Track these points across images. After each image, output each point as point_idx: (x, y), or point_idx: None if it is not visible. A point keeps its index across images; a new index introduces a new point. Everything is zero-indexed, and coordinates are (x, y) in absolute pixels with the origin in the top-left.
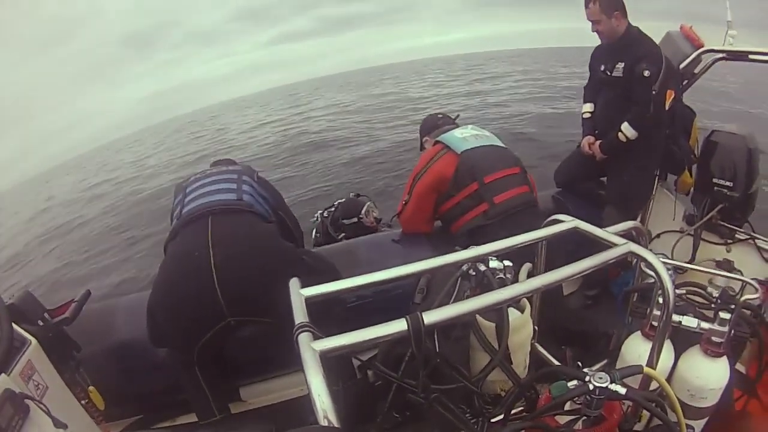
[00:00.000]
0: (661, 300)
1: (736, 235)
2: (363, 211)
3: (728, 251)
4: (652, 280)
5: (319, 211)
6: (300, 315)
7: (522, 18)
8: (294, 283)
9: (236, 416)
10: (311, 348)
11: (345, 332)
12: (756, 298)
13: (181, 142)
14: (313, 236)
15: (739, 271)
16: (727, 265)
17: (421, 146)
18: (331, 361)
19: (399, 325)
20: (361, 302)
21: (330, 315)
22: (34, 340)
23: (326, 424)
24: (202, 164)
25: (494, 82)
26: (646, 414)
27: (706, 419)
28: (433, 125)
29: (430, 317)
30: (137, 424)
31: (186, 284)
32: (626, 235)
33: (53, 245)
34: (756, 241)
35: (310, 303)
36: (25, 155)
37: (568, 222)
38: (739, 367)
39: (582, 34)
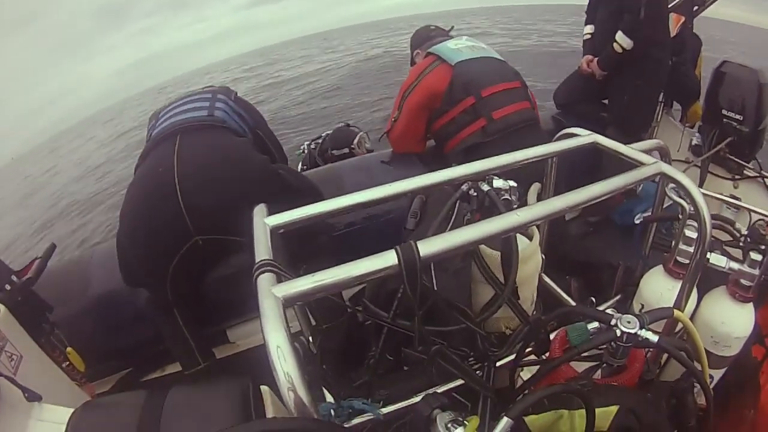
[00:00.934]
0: (691, 233)
1: (744, 171)
2: (355, 142)
3: (735, 187)
4: (670, 207)
5: (306, 142)
6: (263, 250)
7: None
8: (259, 210)
9: (221, 362)
10: (272, 294)
11: (324, 266)
12: None
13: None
14: (299, 169)
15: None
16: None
17: (411, 61)
18: None
19: (388, 259)
20: (349, 230)
21: (313, 244)
22: (2, 307)
23: (291, 396)
24: None
25: (481, 35)
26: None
27: (724, 369)
28: (425, 37)
29: (426, 248)
30: (126, 379)
31: (150, 202)
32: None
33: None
34: (765, 179)
35: (281, 234)
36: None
37: (584, 136)
38: None
39: None
